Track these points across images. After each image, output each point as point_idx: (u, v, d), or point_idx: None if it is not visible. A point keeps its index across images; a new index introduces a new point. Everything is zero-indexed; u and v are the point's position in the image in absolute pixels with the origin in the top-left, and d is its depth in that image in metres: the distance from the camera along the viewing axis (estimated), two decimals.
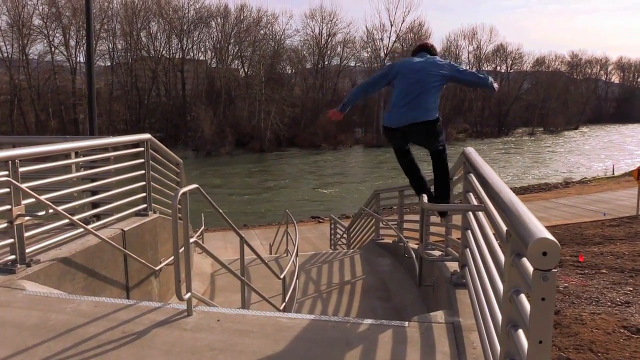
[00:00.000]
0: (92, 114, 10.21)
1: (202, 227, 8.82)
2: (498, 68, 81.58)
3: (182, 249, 3.40)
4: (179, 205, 3.29)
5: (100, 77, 61.95)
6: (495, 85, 4.83)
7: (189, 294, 3.28)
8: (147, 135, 6.11)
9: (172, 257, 6.54)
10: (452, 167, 4.96)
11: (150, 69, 60.33)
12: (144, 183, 6.13)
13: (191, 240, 3.45)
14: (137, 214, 6.09)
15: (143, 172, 6.10)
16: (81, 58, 55.29)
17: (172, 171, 7.63)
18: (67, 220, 4.76)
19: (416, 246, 7.39)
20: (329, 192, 30.53)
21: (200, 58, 65.99)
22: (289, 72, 70.53)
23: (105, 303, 3.55)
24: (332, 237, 12.92)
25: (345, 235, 11.81)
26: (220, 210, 4.22)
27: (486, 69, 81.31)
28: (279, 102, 59.65)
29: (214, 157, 52.43)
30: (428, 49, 4.74)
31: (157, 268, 5.94)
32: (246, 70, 66.90)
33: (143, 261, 5.56)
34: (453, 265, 4.33)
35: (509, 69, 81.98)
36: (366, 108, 69.11)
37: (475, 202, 3.40)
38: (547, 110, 79.18)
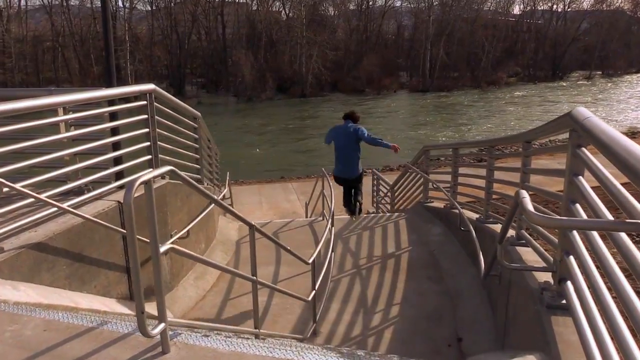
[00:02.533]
0: (108, 60, 9.20)
1: (225, 190, 7.83)
2: (554, 7, 75.85)
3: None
4: (140, 196, 2.24)
5: (142, 22, 61.11)
6: (392, 145, 7.83)
7: (161, 326, 2.25)
8: (150, 86, 5.04)
9: (186, 229, 5.62)
10: (536, 128, 3.74)
11: (190, 12, 58.88)
12: (148, 143, 5.11)
13: (162, 249, 2.39)
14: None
15: (147, 130, 5.08)
16: (120, 2, 54.41)
17: (189, 127, 6.59)
18: (43, 196, 3.84)
19: (474, 216, 6.22)
20: None
21: (241, 0, 63.92)
22: (332, 13, 67.63)
23: (60, 324, 2.59)
24: (375, 194, 11.81)
25: (389, 195, 10.67)
26: (213, 196, 3.09)
27: (541, 8, 75.88)
28: (321, 45, 57.39)
29: (255, 103, 51.41)
30: (352, 117, 7.51)
31: (163, 250, 4.98)
32: (287, 12, 64.57)
33: (144, 239, 4.61)
34: (540, 268, 3.14)
35: (566, 7, 75.92)
36: (412, 50, 66.04)
37: (592, 197, 2.19)
38: (607, 52, 73.54)
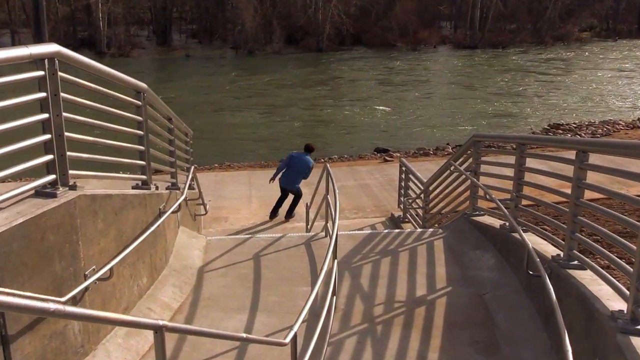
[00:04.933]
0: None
1: (184, 193, 6.63)
2: None
3: None
4: None
5: None
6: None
7: None
8: (50, 47, 3.96)
9: (108, 266, 4.57)
10: None
11: None
12: (48, 136, 4.05)
13: None
14: (38, 193, 4.07)
15: (46, 116, 4.02)
16: None
17: (130, 107, 5.50)
18: None
19: (550, 251, 5.15)
20: (402, 113, 27.79)
21: None
22: None
23: None
24: (403, 194, 10.71)
25: (421, 197, 9.57)
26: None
27: None
28: None
29: (258, 58, 50.28)
30: (309, 149, 11.34)
31: (65, 299, 3.95)
32: None
33: (21, 294, 3.57)
34: None
35: None
36: None
37: None
38: None
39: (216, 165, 16.67)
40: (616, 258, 3.90)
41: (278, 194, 11.19)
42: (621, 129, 21.75)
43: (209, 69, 43.43)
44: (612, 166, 4.12)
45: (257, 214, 11.25)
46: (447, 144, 19.71)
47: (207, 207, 9.18)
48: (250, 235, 7.46)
